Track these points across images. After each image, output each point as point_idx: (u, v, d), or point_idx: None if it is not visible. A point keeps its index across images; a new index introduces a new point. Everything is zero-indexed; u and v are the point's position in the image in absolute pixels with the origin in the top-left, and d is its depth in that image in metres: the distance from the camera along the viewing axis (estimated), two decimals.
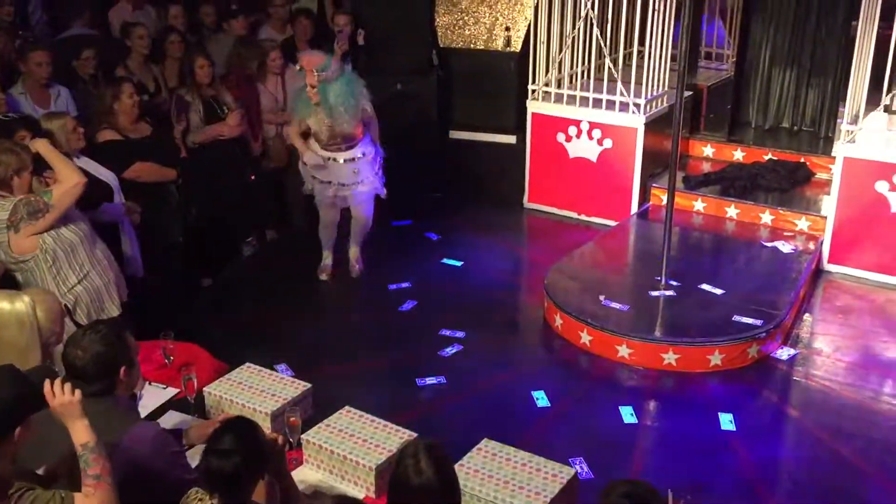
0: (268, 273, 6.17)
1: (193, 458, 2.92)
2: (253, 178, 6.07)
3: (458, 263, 6.29)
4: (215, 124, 5.74)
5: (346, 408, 3.36)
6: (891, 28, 5.88)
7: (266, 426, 3.25)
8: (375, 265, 6.26)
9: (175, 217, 5.45)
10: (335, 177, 5.57)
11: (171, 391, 3.60)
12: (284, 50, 6.48)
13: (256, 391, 3.46)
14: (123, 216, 4.76)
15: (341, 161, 5.51)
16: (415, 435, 3.17)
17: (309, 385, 3.53)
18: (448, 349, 5.13)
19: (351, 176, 5.56)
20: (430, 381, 4.80)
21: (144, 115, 5.22)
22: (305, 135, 5.57)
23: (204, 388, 3.50)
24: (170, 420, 3.36)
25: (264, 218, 6.60)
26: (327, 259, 6.05)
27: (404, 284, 5.92)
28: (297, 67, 5.47)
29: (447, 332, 5.29)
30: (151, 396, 3.52)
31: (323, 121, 5.36)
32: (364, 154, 5.58)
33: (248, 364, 3.67)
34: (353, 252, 6.01)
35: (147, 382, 3.55)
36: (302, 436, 3.21)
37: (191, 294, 5.71)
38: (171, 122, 5.65)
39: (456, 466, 3.06)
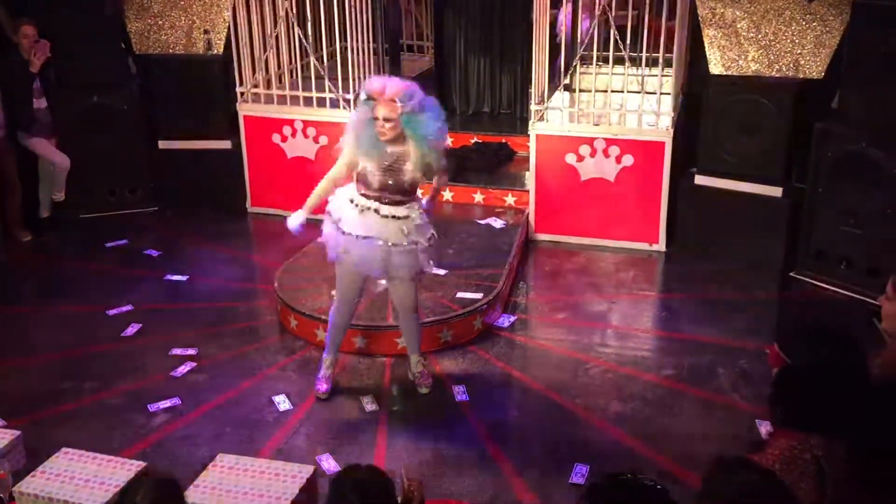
0: None
1: None
2: None
3: (184, 278, 6.06)
4: None
5: (64, 449, 3.14)
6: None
7: None
8: (90, 292, 5.84)
9: None
10: (372, 231, 4.26)
11: None
12: None
13: None
14: None
15: (387, 214, 4.28)
16: (143, 464, 3.02)
17: (18, 433, 3.24)
18: (180, 368, 4.93)
19: (394, 235, 4.28)
20: (164, 404, 4.58)
21: None
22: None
23: None
24: None
25: None
26: (328, 368, 4.63)
27: (125, 308, 5.58)
28: (364, 97, 4.20)
29: (178, 351, 5.09)
30: None
31: (381, 164, 4.22)
32: (417, 216, 4.35)
33: None
34: (415, 360, 4.71)
35: None
36: (13, 488, 2.94)
37: None
38: None
39: (191, 488, 2.98)
